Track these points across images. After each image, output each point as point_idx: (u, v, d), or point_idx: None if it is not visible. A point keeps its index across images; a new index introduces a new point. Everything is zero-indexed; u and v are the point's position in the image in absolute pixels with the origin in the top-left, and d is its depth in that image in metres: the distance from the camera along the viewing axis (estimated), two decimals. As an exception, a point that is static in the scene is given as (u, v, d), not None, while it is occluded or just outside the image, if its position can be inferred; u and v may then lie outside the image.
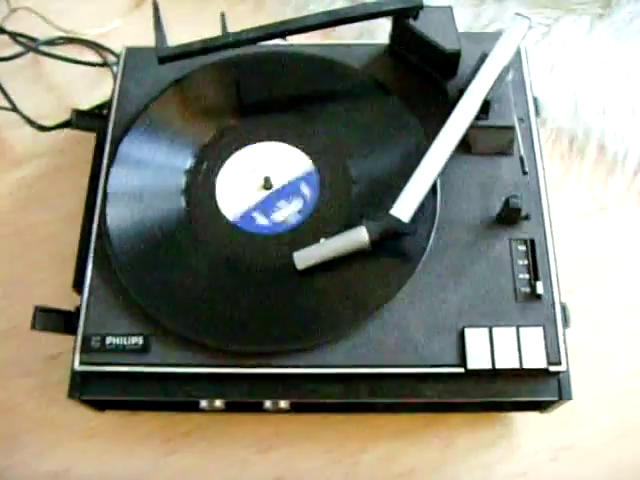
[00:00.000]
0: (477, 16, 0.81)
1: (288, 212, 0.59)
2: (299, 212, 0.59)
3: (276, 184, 0.60)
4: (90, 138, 0.66)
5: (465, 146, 0.60)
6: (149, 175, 0.61)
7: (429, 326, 0.54)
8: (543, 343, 0.53)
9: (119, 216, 0.58)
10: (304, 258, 0.55)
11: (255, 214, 0.59)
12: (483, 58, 0.60)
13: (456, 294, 0.55)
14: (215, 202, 0.60)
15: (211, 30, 0.62)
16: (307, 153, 0.62)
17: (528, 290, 0.55)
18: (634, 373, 0.63)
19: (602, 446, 0.60)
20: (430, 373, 0.53)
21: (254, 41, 0.62)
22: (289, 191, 0.60)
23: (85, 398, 0.54)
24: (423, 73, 0.64)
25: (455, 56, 0.61)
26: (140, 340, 0.54)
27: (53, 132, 0.73)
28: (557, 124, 0.75)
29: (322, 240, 0.55)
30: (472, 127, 0.59)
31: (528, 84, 0.64)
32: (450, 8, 0.62)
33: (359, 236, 0.54)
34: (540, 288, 0.54)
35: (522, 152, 0.60)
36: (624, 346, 0.64)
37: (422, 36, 0.61)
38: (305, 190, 0.60)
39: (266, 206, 0.59)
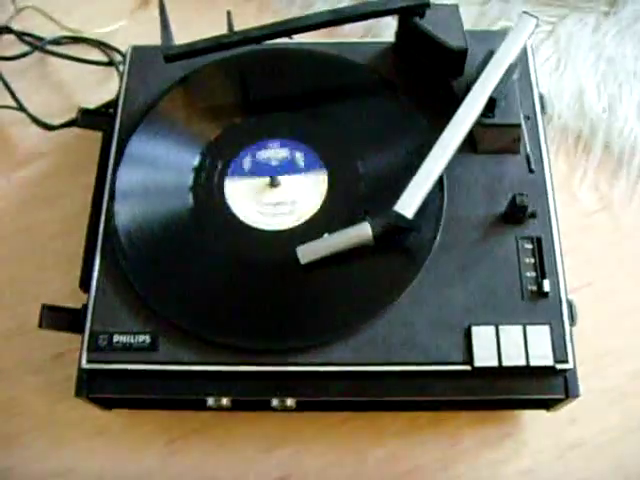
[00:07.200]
0: (483, 14, 0.81)
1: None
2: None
3: (283, 182, 0.60)
4: (96, 137, 0.66)
5: (471, 144, 0.60)
6: (156, 173, 0.61)
7: (435, 324, 0.54)
8: (550, 341, 0.53)
9: (127, 214, 0.58)
10: (307, 252, 0.55)
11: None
12: (489, 56, 0.60)
13: (463, 292, 0.55)
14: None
15: (217, 28, 0.62)
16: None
17: (535, 288, 0.55)
18: (641, 371, 0.63)
19: (609, 444, 0.60)
20: (437, 371, 0.53)
21: (260, 39, 0.62)
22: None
23: (92, 396, 0.54)
24: (429, 71, 0.64)
25: (461, 54, 0.61)
26: (148, 338, 0.54)
27: (59, 131, 0.73)
28: (563, 122, 0.74)
29: (325, 235, 0.55)
30: (478, 125, 0.58)
31: (534, 82, 0.64)
32: (456, 6, 0.62)
33: (362, 231, 0.54)
34: (547, 286, 0.54)
35: (528, 150, 0.60)
36: (631, 344, 0.64)
37: (428, 34, 0.61)
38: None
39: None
